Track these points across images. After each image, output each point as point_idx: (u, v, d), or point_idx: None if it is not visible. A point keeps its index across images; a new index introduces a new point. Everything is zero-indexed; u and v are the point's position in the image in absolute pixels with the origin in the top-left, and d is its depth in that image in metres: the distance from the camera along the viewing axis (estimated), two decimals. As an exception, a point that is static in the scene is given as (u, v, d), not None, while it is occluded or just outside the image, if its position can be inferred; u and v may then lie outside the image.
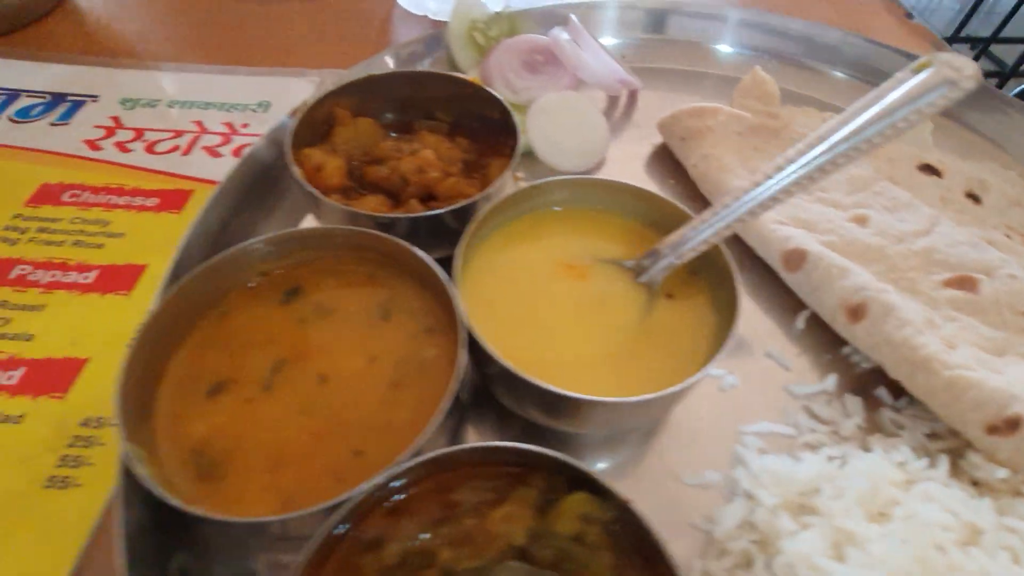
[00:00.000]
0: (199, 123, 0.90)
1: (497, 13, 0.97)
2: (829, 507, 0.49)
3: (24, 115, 0.88)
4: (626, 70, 0.94)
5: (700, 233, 0.56)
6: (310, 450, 0.48)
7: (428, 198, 0.70)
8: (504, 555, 0.40)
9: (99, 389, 0.59)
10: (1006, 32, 1.28)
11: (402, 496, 0.44)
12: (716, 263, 0.58)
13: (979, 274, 0.67)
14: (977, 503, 0.50)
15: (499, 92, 0.76)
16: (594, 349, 0.55)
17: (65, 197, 0.78)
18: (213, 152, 0.86)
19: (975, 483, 0.54)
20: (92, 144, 0.85)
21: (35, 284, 0.68)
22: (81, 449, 0.55)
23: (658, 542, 0.39)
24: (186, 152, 0.85)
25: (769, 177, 0.55)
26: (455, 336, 0.54)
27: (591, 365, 0.53)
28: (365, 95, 0.76)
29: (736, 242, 0.75)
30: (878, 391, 0.63)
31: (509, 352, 0.49)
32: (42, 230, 0.74)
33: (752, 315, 0.70)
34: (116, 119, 0.89)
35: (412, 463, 0.42)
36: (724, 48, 1.03)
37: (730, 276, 0.55)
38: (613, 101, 0.97)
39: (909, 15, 1.20)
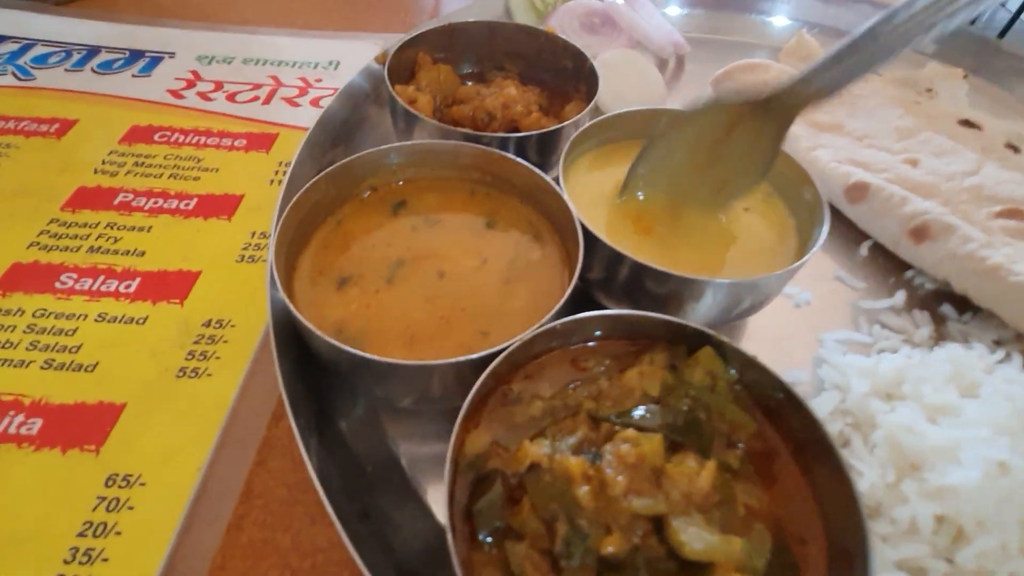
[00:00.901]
0: (275, 77, 0.94)
1: (554, -19, 1.02)
2: (918, 390, 0.53)
3: (107, 67, 0.92)
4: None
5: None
6: (439, 331, 0.51)
7: (511, 132, 0.74)
8: (642, 404, 0.44)
9: (215, 296, 0.62)
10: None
11: (536, 362, 0.47)
12: (788, 176, 0.62)
13: (1029, 206, 0.71)
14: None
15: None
16: (690, 252, 0.59)
17: (156, 137, 0.81)
18: (292, 102, 0.90)
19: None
20: (175, 93, 0.89)
21: (139, 209, 0.71)
22: (207, 345, 0.58)
23: (790, 391, 0.42)
24: (265, 102, 0.89)
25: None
26: (558, 241, 0.59)
27: (689, 260, 0.57)
28: (445, 42, 0.81)
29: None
30: (943, 308, 0.67)
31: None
32: (138, 164, 0.77)
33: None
34: (195, 72, 0.93)
35: (545, 327, 0.45)
36: (770, 20, 1.09)
37: (809, 183, 0.59)
38: (662, 64, 1.02)
39: None
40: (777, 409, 0.44)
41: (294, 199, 0.53)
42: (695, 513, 0.37)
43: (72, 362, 0.57)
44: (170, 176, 0.76)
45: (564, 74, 0.82)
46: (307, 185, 0.55)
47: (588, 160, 0.67)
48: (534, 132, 0.67)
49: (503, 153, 0.60)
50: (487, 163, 0.61)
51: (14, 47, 0.95)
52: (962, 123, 0.91)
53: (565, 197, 0.56)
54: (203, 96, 0.89)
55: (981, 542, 0.44)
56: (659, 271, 0.52)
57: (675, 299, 0.55)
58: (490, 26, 0.82)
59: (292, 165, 0.65)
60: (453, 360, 0.43)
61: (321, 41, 1.02)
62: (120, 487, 0.49)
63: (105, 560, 0.45)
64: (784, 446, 0.43)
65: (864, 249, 0.73)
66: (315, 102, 0.90)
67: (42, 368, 0.56)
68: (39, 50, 0.94)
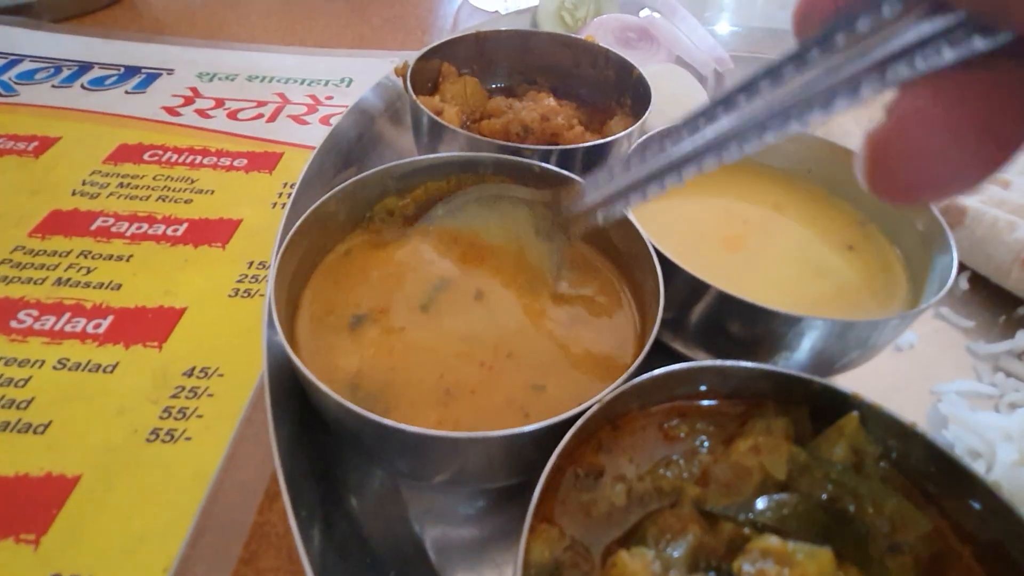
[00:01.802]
0: (281, 95, 0.85)
1: (584, -4, 0.96)
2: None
3: (98, 83, 0.84)
4: (719, 49, 0.92)
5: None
6: (482, 383, 0.40)
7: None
8: (763, 491, 0.32)
9: (201, 338, 0.52)
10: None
11: (613, 429, 0.36)
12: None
13: None
14: None
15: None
16: (780, 285, 0.48)
17: (146, 156, 0.72)
18: (299, 120, 0.81)
19: None
20: (171, 111, 0.80)
21: (119, 235, 0.61)
22: (187, 400, 0.47)
23: (961, 467, 0.31)
24: (271, 120, 0.81)
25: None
26: (619, 270, 0.49)
27: (785, 294, 0.47)
28: (471, 52, 0.73)
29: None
30: (1071, 350, 0.56)
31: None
32: (123, 185, 0.67)
33: (906, 277, 0.63)
34: (194, 89, 0.85)
35: (633, 383, 0.35)
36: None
37: (923, 208, 0.50)
38: (701, 81, 0.94)
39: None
40: (940, 495, 0.33)
41: (298, 223, 0.43)
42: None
43: (19, 421, 0.45)
44: (158, 198, 0.66)
45: (605, 87, 0.73)
46: (314, 206, 0.45)
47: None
48: (580, 145, 0.57)
49: (548, 166, 0.50)
50: (532, 179, 0.52)
51: (0, 62, 0.87)
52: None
53: (631, 218, 0.46)
54: (201, 113, 0.80)
55: None
56: (755, 307, 0.41)
57: (769, 342, 0.44)
58: (521, 35, 0.74)
59: (297, 186, 0.55)
60: (509, 432, 0.32)
61: (332, 59, 0.94)
62: (62, 593, 0.37)
63: None
64: (962, 547, 0.32)
65: (964, 281, 0.62)
66: (325, 120, 0.81)
67: (-21, 429, 0.44)
68: (26, 66, 0.87)
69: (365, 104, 0.74)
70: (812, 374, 0.46)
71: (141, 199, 0.66)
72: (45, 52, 0.90)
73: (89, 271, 0.57)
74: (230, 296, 0.56)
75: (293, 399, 0.41)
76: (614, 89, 0.72)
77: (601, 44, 0.88)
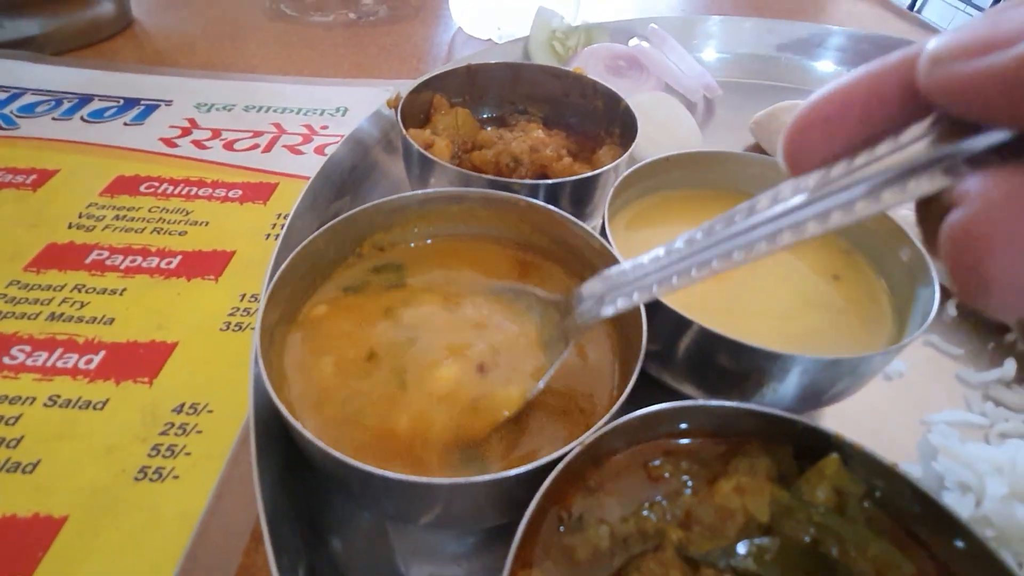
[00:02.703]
0: (277, 125, 0.87)
1: (575, 26, 0.98)
2: (1077, 494, 0.41)
3: (98, 116, 0.86)
4: (707, 77, 0.93)
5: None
6: (468, 424, 0.40)
7: (540, 179, 0.66)
8: (745, 534, 0.32)
9: (192, 374, 0.52)
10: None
11: (597, 470, 0.36)
12: (878, 231, 0.53)
13: None
14: None
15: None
16: (771, 321, 0.48)
17: (142, 188, 0.73)
18: (295, 150, 0.82)
19: None
20: (168, 142, 0.81)
21: (114, 268, 0.62)
22: (176, 437, 0.47)
23: (943, 508, 0.31)
24: (266, 150, 0.82)
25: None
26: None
27: (772, 324, 0.47)
28: (463, 84, 0.74)
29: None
30: (1061, 379, 0.56)
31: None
32: (119, 218, 0.68)
33: (895, 304, 0.64)
34: (191, 120, 0.86)
35: (619, 423, 0.35)
36: (810, 62, 1.04)
37: (908, 241, 0.50)
38: (691, 108, 0.95)
39: None
40: (922, 536, 0.33)
41: (289, 258, 0.44)
42: None
43: (8, 460, 0.46)
44: (153, 231, 0.67)
45: (594, 117, 0.75)
46: (304, 242, 0.45)
47: (632, 212, 0.59)
48: (568, 179, 0.58)
49: (535, 202, 0.51)
50: (518, 214, 0.52)
51: (2, 96, 0.88)
52: None
53: (615, 252, 0.46)
54: (198, 144, 0.81)
55: None
56: (739, 343, 0.41)
57: (756, 376, 0.44)
58: (512, 67, 0.75)
59: (291, 217, 0.56)
60: (494, 477, 0.32)
61: (326, 88, 0.95)
62: (46, 637, 0.37)
63: None
64: (946, 592, 0.32)
65: (951, 308, 0.63)
66: (320, 150, 0.82)
67: (-31, 469, 0.45)
68: (28, 99, 0.88)
69: (359, 134, 0.75)
70: (801, 406, 0.47)
71: (136, 231, 0.67)
72: (47, 85, 0.91)
73: (83, 305, 0.58)
74: (221, 330, 0.56)
75: (280, 438, 0.41)
76: (603, 119, 0.73)
77: (591, 73, 0.90)
